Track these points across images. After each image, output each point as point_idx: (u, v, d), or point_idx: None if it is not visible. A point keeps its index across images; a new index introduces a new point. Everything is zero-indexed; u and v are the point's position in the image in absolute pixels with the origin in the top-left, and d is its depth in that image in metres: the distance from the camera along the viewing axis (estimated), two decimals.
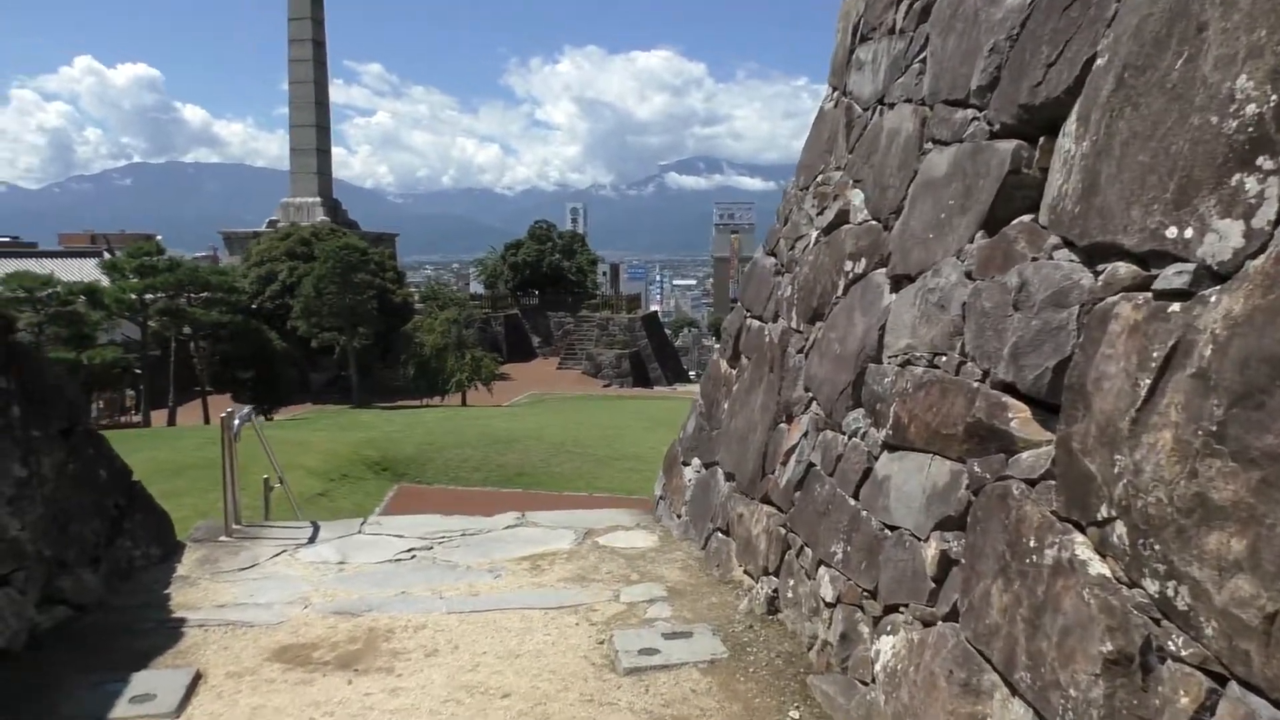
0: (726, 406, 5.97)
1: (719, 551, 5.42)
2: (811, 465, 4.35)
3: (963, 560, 2.92)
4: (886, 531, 3.48)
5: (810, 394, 4.58)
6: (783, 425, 4.90)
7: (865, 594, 3.54)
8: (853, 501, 3.81)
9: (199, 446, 24.05)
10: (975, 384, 3.04)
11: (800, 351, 4.89)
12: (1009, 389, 2.87)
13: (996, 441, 2.87)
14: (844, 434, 4.08)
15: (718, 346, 6.59)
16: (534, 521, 6.56)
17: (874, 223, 4.33)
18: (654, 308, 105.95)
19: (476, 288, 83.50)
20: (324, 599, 4.95)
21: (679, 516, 6.34)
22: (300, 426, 33.29)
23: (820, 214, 5.16)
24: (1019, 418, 2.80)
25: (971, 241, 3.29)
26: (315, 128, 68.00)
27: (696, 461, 6.28)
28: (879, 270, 4.16)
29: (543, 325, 71.22)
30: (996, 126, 3.26)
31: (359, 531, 6.29)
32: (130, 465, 5.58)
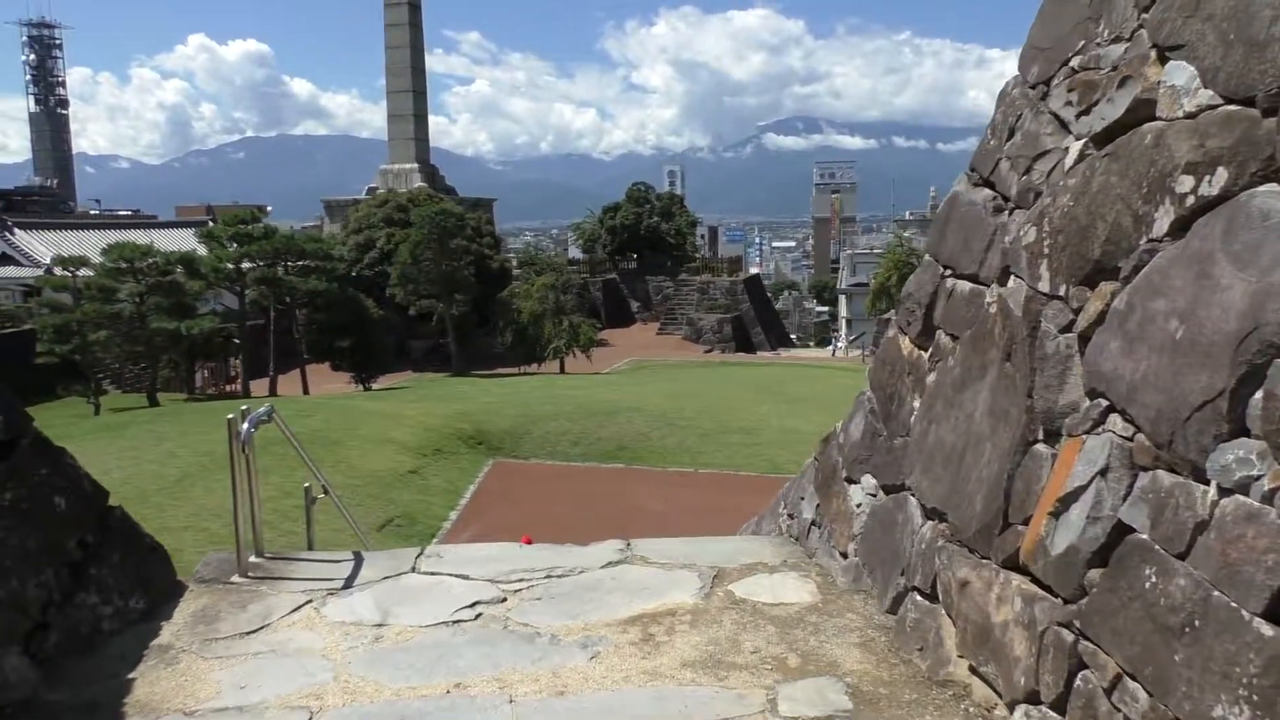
0: (918, 406, 4.16)
1: (921, 626, 3.66)
2: (1126, 530, 2.54)
3: None
4: None
5: (1105, 402, 2.75)
6: (1039, 447, 3.09)
7: None
8: (1267, 628, 1.99)
9: (290, 419, 23.25)
10: None
11: (1068, 330, 3.06)
12: None
13: None
14: (1207, 484, 2.26)
15: (893, 319, 4.77)
16: (643, 555, 4.89)
17: (1232, 107, 2.47)
18: (754, 270, 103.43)
19: (574, 253, 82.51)
20: (341, 697, 3.39)
21: (843, 555, 4.58)
22: (395, 397, 32.56)
23: (1086, 113, 3.29)
24: None
25: None
26: (412, 93, 67.54)
27: (869, 480, 4.50)
28: (1265, 187, 2.31)
29: (641, 289, 69.66)
30: None
31: (412, 569, 4.72)
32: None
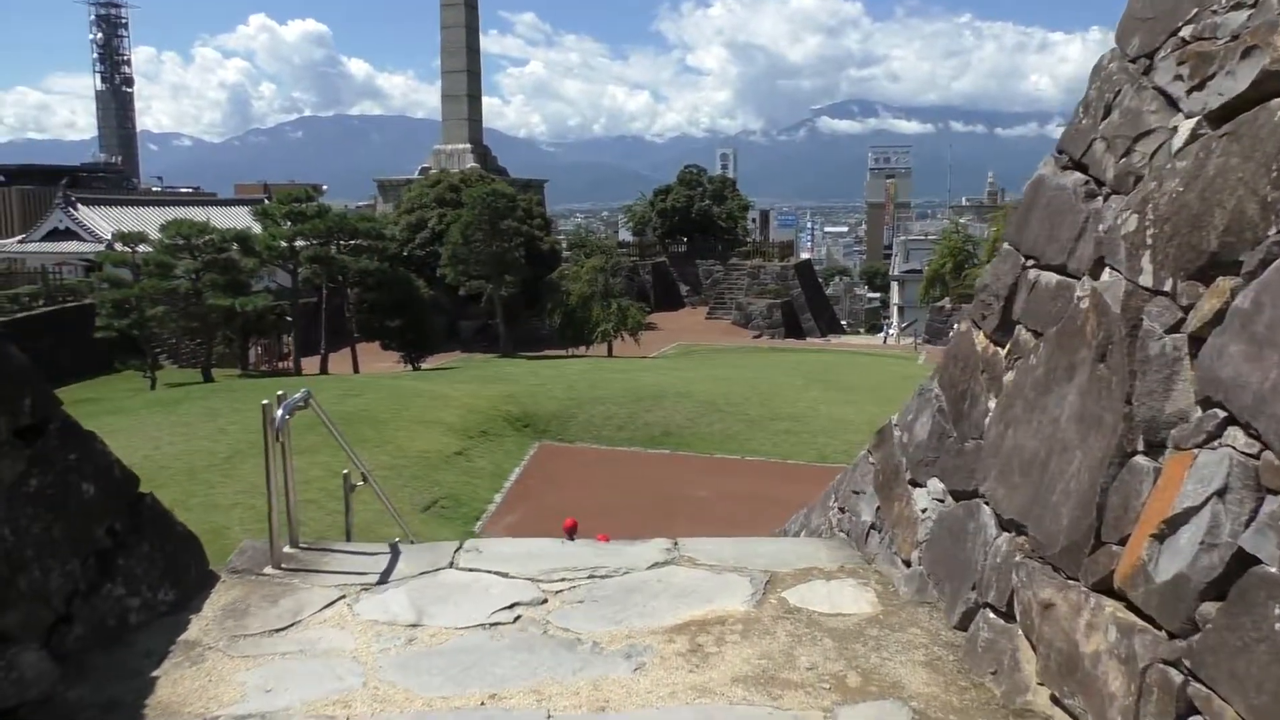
0: (993, 408, 3.85)
1: (994, 647, 3.36)
2: (1249, 560, 2.22)
3: None
4: None
5: (1222, 413, 2.43)
6: (1139, 459, 2.77)
7: None
8: None
9: (338, 399, 23.44)
10: None
11: (1175, 330, 2.73)
12: None
13: None
14: None
15: (965, 312, 4.45)
16: (690, 556, 4.64)
17: None
18: (805, 255, 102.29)
19: (625, 235, 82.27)
20: (369, 706, 3.19)
21: (906, 563, 4.29)
22: (442, 378, 32.65)
23: (1199, 88, 2.94)
24: None
25: None
26: (466, 73, 67.66)
27: (936, 484, 4.19)
28: None
29: (691, 273, 69.20)
30: None
31: (450, 564, 4.52)
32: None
